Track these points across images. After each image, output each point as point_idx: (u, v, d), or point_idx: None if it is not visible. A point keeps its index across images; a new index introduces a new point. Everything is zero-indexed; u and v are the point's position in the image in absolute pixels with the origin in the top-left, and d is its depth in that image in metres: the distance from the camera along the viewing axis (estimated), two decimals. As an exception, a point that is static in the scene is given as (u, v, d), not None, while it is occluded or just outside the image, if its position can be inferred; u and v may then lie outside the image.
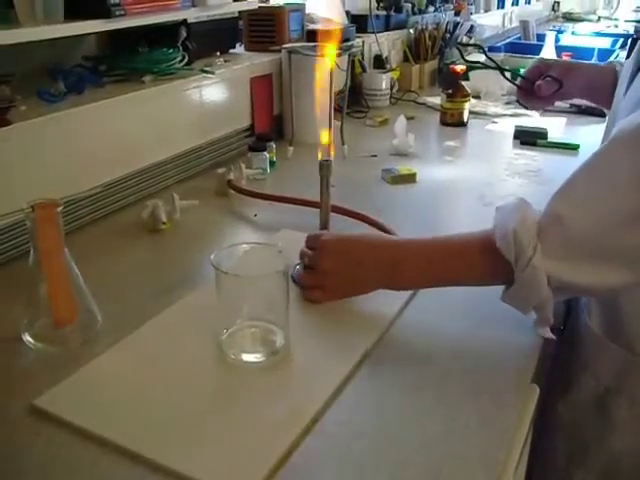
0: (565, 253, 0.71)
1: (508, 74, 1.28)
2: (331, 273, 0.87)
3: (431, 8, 2.77)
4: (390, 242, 0.87)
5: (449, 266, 0.82)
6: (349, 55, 1.65)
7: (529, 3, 5.05)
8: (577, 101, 2.08)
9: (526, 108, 1.26)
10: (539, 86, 1.12)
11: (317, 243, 0.88)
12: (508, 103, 2.15)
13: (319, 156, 0.91)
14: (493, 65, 1.26)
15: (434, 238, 0.86)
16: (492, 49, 2.89)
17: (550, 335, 0.80)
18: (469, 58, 2.60)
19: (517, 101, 1.24)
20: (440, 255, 0.83)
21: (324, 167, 0.91)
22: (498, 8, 4.10)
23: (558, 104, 2.07)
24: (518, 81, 1.18)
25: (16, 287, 0.83)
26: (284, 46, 1.68)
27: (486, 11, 3.83)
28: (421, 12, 2.66)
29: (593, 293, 0.84)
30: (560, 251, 0.71)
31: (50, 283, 0.79)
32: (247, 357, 0.77)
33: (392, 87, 2.20)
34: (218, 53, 1.65)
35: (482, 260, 0.79)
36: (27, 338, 0.80)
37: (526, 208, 0.77)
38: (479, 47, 1.53)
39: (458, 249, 0.83)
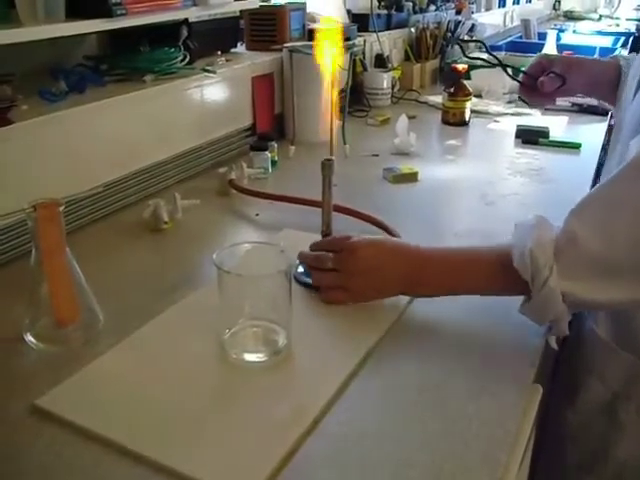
0: (580, 273, 0.72)
1: (510, 70, 1.27)
2: (357, 275, 0.86)
3: (432, 7, 2.77)
4: (412, 249, 0.87)
5: (468, 278, 0.84)
6: (350, 54, 1.65)
7: (530, 2, 5.05)
8: (579, 100, 2.09)
9: (528, 104, 1.25)
10: (542, 82, 1.11)
11: (344, 245, 0.88)
12: (510, 102, 2.15)
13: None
14: (495, 62, 1.26)
15: (455, 249, 0.88)
16: (493, 48, 2.89)
17: (554, 346, 0.81)
18: (471, 56, 2.61)
19: (519, 98, 1.24)
20: (459, 266, 0.84)
21: (326, 167, 0.91)
22: (499, 7, 4.10)
23: (560, 102, 2.08)
24: (520, 77, 1.17)
25: (18, 287, 0.83)
26: (285, 45, 1.67)
27: (487, 10, 3.83)
28: (422, 11, 2.66)
29: (609, 308, 0.86)
30: (576, 271, 0.72)
31: (52, 283, 0.79)
32: (249, 357, 0.77)
33: (393, 86, 2.20)
34: (219, 52, 1.65)
35: (500, 275, 0.80)
36: (29, 338, 0.80)
37: (544, 226, 0.77)
38: (481, 44, 1.53)
39: (477, 262, 0.83)
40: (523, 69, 1.20)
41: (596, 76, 1.13)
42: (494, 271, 0.81)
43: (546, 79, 1.11)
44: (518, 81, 1.18)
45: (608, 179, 0.74)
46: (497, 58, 1.26)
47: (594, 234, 0.72)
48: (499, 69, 2.13)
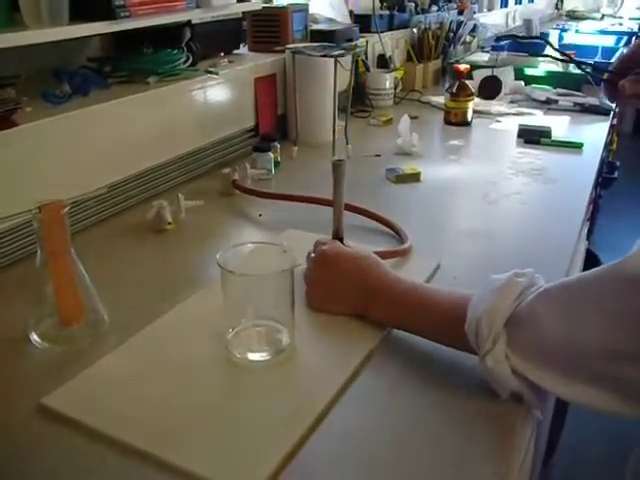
0: (533, 355, 0.66)
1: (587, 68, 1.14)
2: (313, 283, 0.89)
3: (434, 7, 2.77)
4: (377, 273, 0.86)
5: (417, 320, 0.80)
6: (353, 55, 1.65)
7: (532, 2, 5.05)
8: (580, 99, 2.09)
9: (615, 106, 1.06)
10: (623, 85, 0.95)
11: (317, 250, 0.90)
12: (512, 102, 2.16)
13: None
14: (565, 58, 1.13)
15: (419, 286, 0.84)
16: (495, 48, 2.89)
17: (539, 416, 0.73)
18: (472, 57, 2.61)
19: (606, 98, 1.07)
20: (413, 305, 0.81)
21: (337, 167, 0.91)
22: (501, 7, 4.10)
23: (563, 102, 2.09)
24: (606, 75, 1.01)
25: (23, 287, 0.84)
26: (288, 46, 1.68)
27: (489, 10, 3.83)
28: (424, 11, 2.67)
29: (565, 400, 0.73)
30: (528, 351, 0.66)
31: (57, 283, 0.79)
32: (253, 356, 0.77)
33: (396, 86, 2.20)
34: (222, 54, 1.65)
35: (450, 328, 0.75)
36: (34, 338, 0.81)
37: (508, 291, 0.69)
38: (541, 39, 1.45)
39: (430, 307, 0.80)
40: (609, 67, 1.03)
41: None
42: (444, 322, 0.76)
43: (628, 82, 0.95)
44: (601, 78, 1.03)
45: (590, 274, 0.65)
46: (568, 55, 1.12)
47: (559, 323, 0.64)
48: (502, 71, 2.13)
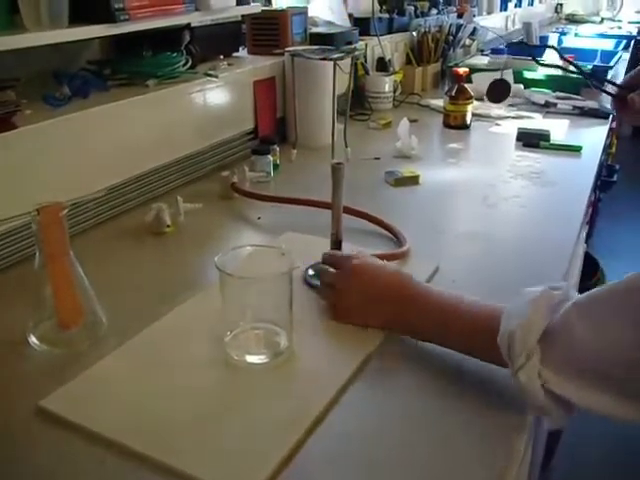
0: (564, 368, 0.64)
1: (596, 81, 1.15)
2: (346, 297, 0.86)
3: (434, 10, 2.77)
4: (411, 283, 0.84)
5: (449, 328, 0.78)
6: (352, 58, 1.66)
7: (532, 5, 5.06)
8: (579, 102, 2.09)
9: (622, 121, 1.04)
10: (632, 99, 0.96)
11: (344, 264, 0.87)
12: (511, 105, 2.16)
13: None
14: (576, 71, 1.14)
15: (450, 296, 0.81)
16: (495, 51, 2.90)
17: (558, 426, 0.72)
18: (472, 60, 2.62)
19: (614, 114, 1.06)
20: (446, 311, 0.79)
21: (337, 170, 0.91)
22: (501, 10, 4.10)
23: (562, 106, 2.09)
24: (612, 89, 1.02)
25: (22, 290, 0.84)
26: (287, 49, 1.68)
27: (489, 13, 3.84)
28: (424, 15, 2.67)
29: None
30: (560, 365, 0.65)
31: (55, 285, 0.79)
32: (251, 358, 0.77)
33: (395, 90, 2.20)
34: (221, 57, 1.66)
35: (482, 341, 0.73)
36: (33, 340, 0.81)
37: (542, 304, 0.68)
38: (551, 47, 1.42)
39: (462, 315, 0.77)
40: (617, 81, 1.05)
41: None
42: (476, 333, 0.74)
43: (637, 96, 0.96)
44: (609, 94, 1.03)
45: (624, 284, 0.65)
46: (579, 67, 1.12)
47: (593, 332, 0.63)
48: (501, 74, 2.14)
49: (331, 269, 0.89)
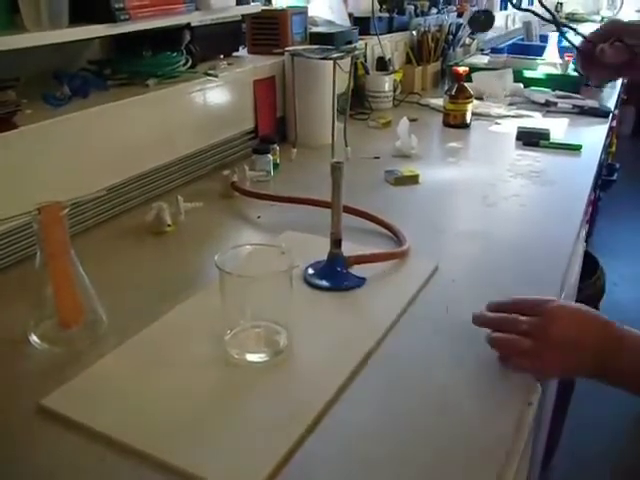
0: None
1: (569, 34, 1.03)
2: (555, 347, 0.75)
3: (434, 10, 2.77)
4: (611, 321, 0.76)
5: None
6: (352, 57, 1.66)
7: (532, 4, 5.05)
8: (580, 102, 2.09)
9: (585, 78, 0.93)
10: (602, 50, 0.89)
11: (542, 310, 0.77)
12: (511, 104, 2.16)
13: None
14: (550, 19, 1.03)
15: None
16: (495, 50, 2.91)
17: None
18: (472, 60, 2.62)
19: (575, 70, 0.96)
20: None
21: (336, 169, 0.91)
22: (501, 9, 4.10)
23: (562, 105, 2.09)
24: (579, 43, 0.95)
25: (23, 289, 0.84)
26: (287, 49, 1.68)
27: (489, 12, 3.83)
28: (424, 14, 2.67)
29: None
30: None
31: (56, 285, 0.80)
32: (251, 357, 0.78)
33: (395, 89, 2.20)
34: (222, 56, 1.66)
35: None
36: (34, 339, 0.81)
37: None
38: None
39: None
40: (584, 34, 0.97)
41: None
42: None
43: (609, 48, 0.89)
44: (575, 47, 0.96)
45: None
46: (552, 13, 1.02)
47: None
48: (501, 73, 2.14)
49: (520, 316, 0.78)
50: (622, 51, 0.89)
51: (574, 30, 0.97)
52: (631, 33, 0.89)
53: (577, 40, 0.96)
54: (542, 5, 1.04)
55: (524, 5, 4.63)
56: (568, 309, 0.78)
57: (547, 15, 1.02)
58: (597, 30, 0.92)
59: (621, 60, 0.89)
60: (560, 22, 1.00)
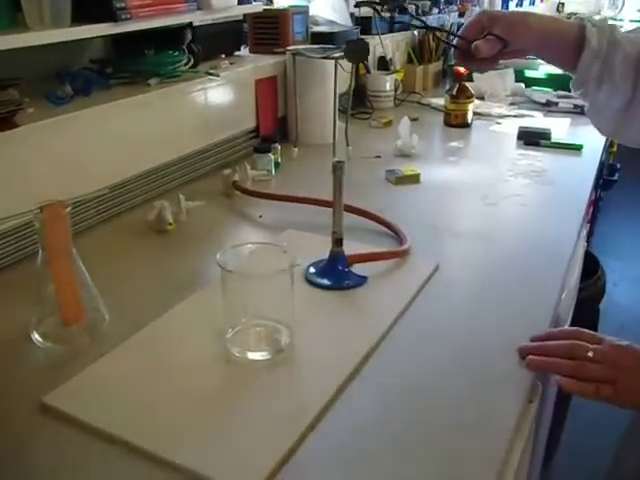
0: None
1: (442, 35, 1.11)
2: (634, 371, 0.76)
3: (435, 10, 2.77)
4: None
5: None
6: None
7: (533, 4, 5.05)
8: (581, 101, 2.09)
9: (468, 69, 0.97)
10: (476, 46, 0.94)
11: (600, 338, 0.79)
12: (512, 104, 2.16)
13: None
14: (421, 25, 1.12)
15: None
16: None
17: None
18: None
19: (457, 64, 1.00)
20: None
21: (338, 168, 0.92)
22: (502, 9, 4.10)
23: (563, 105, 2.09)
24: (456, 41, 1.00)
25: (25, 287, 0.84)
26: (288, 48, 1.69)
27: (490, 12, 3.83)
28: (425, 14, 2.67)
29: None
30: None
31: (58, 283, 0.80)
32: (252, 355, 0.78)
33: (396, 88, 2.20)
34: (223, 55, 1.66)
35: None
36: (35, 337, 0.81)
37: None
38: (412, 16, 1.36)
39: None
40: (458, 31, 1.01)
41: (549, 32, 0.94)
42: None
43: (481, 43, 0.94)
44: (453, 45, 1.01)
45: None
46: (422, 21, 1.13)
47: None
48: (502, 73, 2.14)
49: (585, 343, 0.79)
50: (494, 43, 0.93)
51: (447, 32, 1.01)
52: (498, 23, 0.94)
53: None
54: (412, 16, 1.08)
55: (528, 9, 4.64)
56: (617, 345, 0.78)
57: (419, 22, 1.06)
58: (469, 24, 0.97)
59: (494, 51, 0.94)
60: (432, 27, 1.03)
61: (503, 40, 0.93)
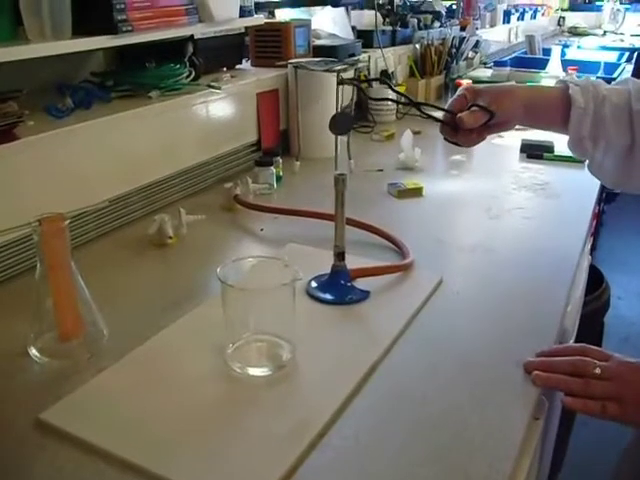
0: None
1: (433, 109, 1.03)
2: (635, 384, 0.75)
3: (437, 23, 2.78)
4: None
5: None
6: (355, 70, 1.66)
7: (535, 18, 5.07)
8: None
9: (457, 145, 0.97)
10: (460, 118, 0.93)
11: (606, 355, 0.79)
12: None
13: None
14: (405, 100, 1.11)
15: None
16: (498, 63, 2.91)
17: None
18: (475, 73, 2.62)
19: (445, 139, 0.97)
20: None
21: (339, 181, 0.91)
22: (504, 23, 4.11)
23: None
24: (442, 116, 0.98)
25: (22, 301, 0.83)
26: (290, 61, 1.68)
27: (492, 26, 3.85)
28: (427, 27, 2.68)
29: None
30: None
31: (56, 297, 0.79)
32: (253, 371, 0.77)
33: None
34: (225, 69, 1.66)
35: None
36: (33, 352, 0.80)
37: None
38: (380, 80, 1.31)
39: None
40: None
41: (532, 100, 0.95)
42: None
43: (466, 114, 0.93)
44: (439, 120, 0.98)
45: None
46: (408, 97, 1.09)
47: None
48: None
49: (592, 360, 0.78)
50: (479, 114, 0.93)
51: (434, 107, 1.01)
52: (483, 96, 0.94)
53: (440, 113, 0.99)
54: (398, 92, 1.13)
55: (529, 22, 4.65)
56: (622, 362, 0.77)
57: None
58: (454, 99, 0.97)
59: (480, 122, 0.93)
60: (418, 103, 1.03)
61: (489, 111, 0.92)
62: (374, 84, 2.18)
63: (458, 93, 0.97)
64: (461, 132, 0.95)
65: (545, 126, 1.03)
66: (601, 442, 2.06)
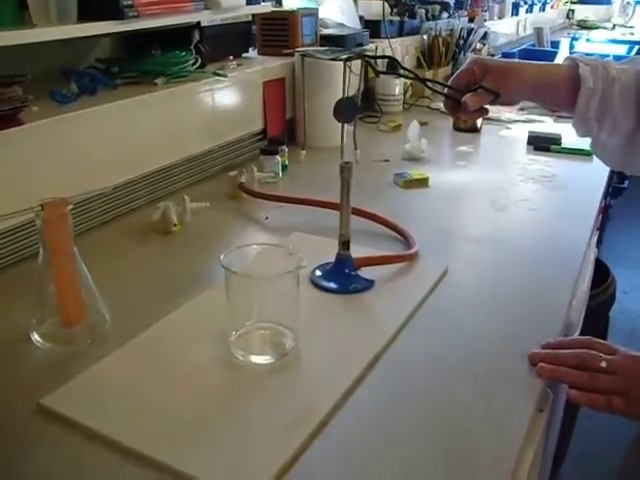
0: None
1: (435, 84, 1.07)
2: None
3: (445, 14, 2.76)
4: None
5: None
6: (362, 59, 1.64)
7: (544, 10, 5.04)
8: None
9: (456, 118, 0.96)
10: (465, 102, 0.93)
11: (613, 348, 0.78)
12: (522, 109, 2.14)
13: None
14: (412, 75, 1.12)
15: None
16: (506, 55, 2.89)
17: None
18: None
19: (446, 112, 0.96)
20: None
21: (345, 169, 0.90)
22: (512, 15, 4.09)
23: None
24: (446, 91, 0.98)
25: (25, 287, 0.83)
26: (297, 50, 1.67)
27: (500, 18, 3.82)
28: (435, 18, 2.66)
29: None
30: None
31: (59, 282, 0.79)
32: (256, 359, 0.76)
33: (405, 92, 2.19)
34: (231, 57, 1.65)
35: None
36: (35, 337, 0.80)
37: None
38: (388, 57, 1.35)
39: None
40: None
41: (540, 80, 0.93)
42: None
43: (470, 97, 0.93)
44: (443, 94, 0.99)
45: None
46: (413, 72, 1.11)
47: None
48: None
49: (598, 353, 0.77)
50: (484, 97, 0.92)
51: (441, 84, 1.01)
52: (491, 72, 0.93)
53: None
54: (403, 68, 1.09)
55: (538, 15, 4.63)
56: (628, 355, 0.76)
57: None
58: (461, 73, 0.95)
59: (484, 103, 0.93)
60: (424, 79, 1.04)
61: (494, 93, 0.92)
62: (381, 76, 2.17)
63: (467, 65, 0.95)
64: (464, 110, 0.95)
65: (549, 105, 1.02)
66: (605, 434, 2.06)
